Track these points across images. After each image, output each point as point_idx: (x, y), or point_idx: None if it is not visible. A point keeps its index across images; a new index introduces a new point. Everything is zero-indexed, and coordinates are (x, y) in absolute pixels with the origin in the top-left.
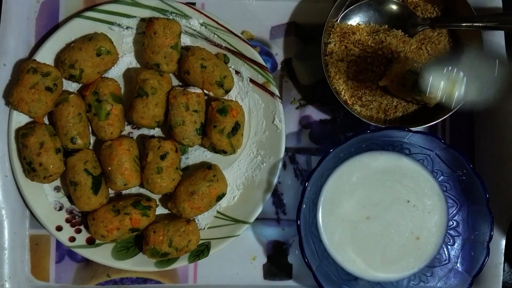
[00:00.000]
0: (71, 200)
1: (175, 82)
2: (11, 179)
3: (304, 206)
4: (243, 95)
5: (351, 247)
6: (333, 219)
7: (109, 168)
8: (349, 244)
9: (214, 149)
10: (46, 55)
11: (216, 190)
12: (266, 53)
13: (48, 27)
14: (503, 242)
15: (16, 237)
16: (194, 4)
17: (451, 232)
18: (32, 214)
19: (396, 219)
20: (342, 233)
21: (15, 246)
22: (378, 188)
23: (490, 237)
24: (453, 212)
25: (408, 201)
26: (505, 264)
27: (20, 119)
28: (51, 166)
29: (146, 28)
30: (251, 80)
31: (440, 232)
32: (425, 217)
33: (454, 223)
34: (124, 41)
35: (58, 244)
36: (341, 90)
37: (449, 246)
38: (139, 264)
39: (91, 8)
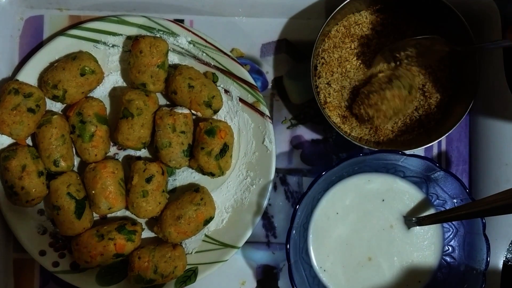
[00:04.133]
0: (54, 224)
1: (163, 101)
2: None
3: (294, 232)
4: (233, 114)
5: (343, 273)
6: (325, 244)
7: (93, 192)
8: (341, 270)
9: (202, 171)
10: (30, 75)
11: (203, 214)
12: (256, 71)
13: (32, 45)
14: (500, 269)
15: (0, 261)
16: (182, 21)
17: (447, 258)
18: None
19: (390, 243)
20: (334, 259)
21: None
22: (372, 212)
23: (487, 265)
24: (449, 236)
25: (402, 225)
26: None
27: (3, 140)
28: (33, 190)
29: (131, 46)
30: (241, 100)
31: (435, 257)
32: (420, 241)
33: (450, 249)
34: (110, 59)
35: (43, 268)
36: (332, 113)
37: (444, 273)
38: None
39: (76, 26)
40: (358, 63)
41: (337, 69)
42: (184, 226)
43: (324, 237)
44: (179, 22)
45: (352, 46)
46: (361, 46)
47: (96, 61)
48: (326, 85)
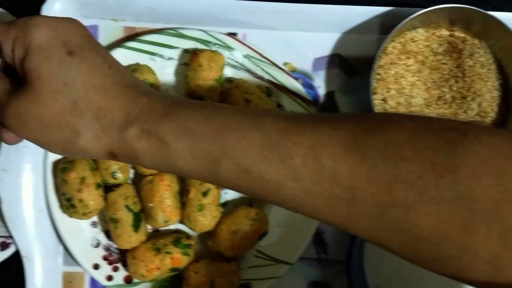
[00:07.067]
0: (108, 236)
1: None
2: (46, 214)
3: (354, 250)
4: None
5: None
6: (380, 262)
7: (150, 205)
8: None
9: None
10: None
11: (258, 229)
12: (308, 85)
13: None
14: None
15: (49, 275)
16: (235, 34)
17: None
18: (67, 251)
19: None
20: (389, 277)
21: (48, 285)
22: None
23: None
24: None
25: None
26: None
27: None
28: (91, 203)
29: (190, 60)
30: None
31: None
32: None
33: None
34: (165, 72)
35: (93, 281)
36: None
37: None
38: None
39: (133, 38)
40: (413, 80)
41: (393, 85)
42: (239, 241)
43: (380, 255)
44: (232, 35)
45: (408, 63)
46: (417, 63)
47: (155, 74)
48: (382, 101)
